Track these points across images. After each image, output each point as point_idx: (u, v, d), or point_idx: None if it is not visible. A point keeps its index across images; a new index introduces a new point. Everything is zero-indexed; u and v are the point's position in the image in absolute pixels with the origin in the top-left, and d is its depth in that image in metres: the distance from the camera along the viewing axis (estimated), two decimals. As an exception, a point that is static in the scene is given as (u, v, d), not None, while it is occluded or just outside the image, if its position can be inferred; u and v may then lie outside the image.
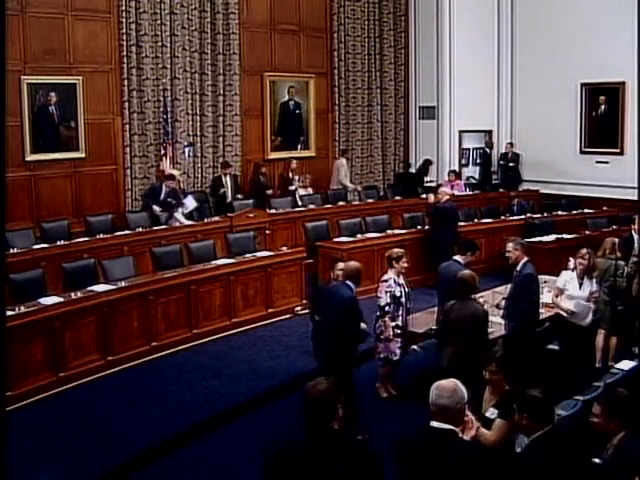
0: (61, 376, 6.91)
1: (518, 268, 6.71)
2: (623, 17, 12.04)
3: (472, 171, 14.88)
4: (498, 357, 4.60)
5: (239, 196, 11.83)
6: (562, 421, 4.38)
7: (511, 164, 14.52)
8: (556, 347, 6.85)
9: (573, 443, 3.77)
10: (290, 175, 12.66)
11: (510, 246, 6.76)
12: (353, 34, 14.17)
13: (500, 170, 14.76)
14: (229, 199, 11.66)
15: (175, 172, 11.35)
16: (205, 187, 12.34)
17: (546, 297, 7.30)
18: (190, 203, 10.95)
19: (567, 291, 6.97)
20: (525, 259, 6.70)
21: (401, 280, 6.81)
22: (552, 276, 7.77)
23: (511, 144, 14.55)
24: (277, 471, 3.31)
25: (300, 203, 12.10)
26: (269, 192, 12.12)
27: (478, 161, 14.90)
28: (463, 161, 14.83)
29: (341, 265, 6.55)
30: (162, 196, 10.53)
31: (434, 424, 3.50)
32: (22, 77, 10.39)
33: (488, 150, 14.69)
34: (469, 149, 14.91)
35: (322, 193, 12.73)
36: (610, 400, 3.98)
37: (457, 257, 6.93)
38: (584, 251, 7.00)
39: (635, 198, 10.68)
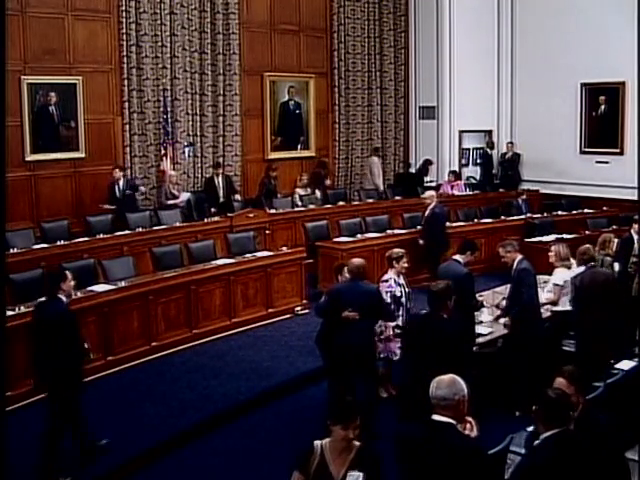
0: (61, 376, 6.91)
1: (514, 266, 6.73)
2: (623, 17, 12.04)
3: (472, 171, 14.87)
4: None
5: (237, 197, 11.79)
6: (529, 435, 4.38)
7: (508, 158, 14.46)
8: (572, 349, 6.84)
9: (581, 444, 3.77)
10: (322, 172, 12.67)
11: (502, 251, 6.81)
12: (353, 34, 14.17)
13: (500, 170, 14.75)
14: (221, 199, 11.63)
15: (173, 173, 11.37)
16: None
17: (545, 296, 7.32)
18: (183, 196, 11.20)
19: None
20: (519, 257, 6.75)
21: (401, 280, 6.82)
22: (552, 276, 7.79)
23: (511, 143, 14.53)
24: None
25: (300, 203, 12.09)
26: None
27: (478, 161, 14.89)
28: (463, 161, 14.82)
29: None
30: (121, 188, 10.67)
31: (434, 417, 3.57)
32: (22, 77, 10.40)
33: (489, 150, 14.67)
34: (469, 149, 14.90)
35: (322, 193, 12.73)
36: (577, 377, 4.10)
37: (457, 257, 6.93)
38: (552, 243, 7.40)
39: (635, 198, 10.69)
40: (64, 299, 5.63)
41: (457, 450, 3.47)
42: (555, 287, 7.23)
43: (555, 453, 3.59)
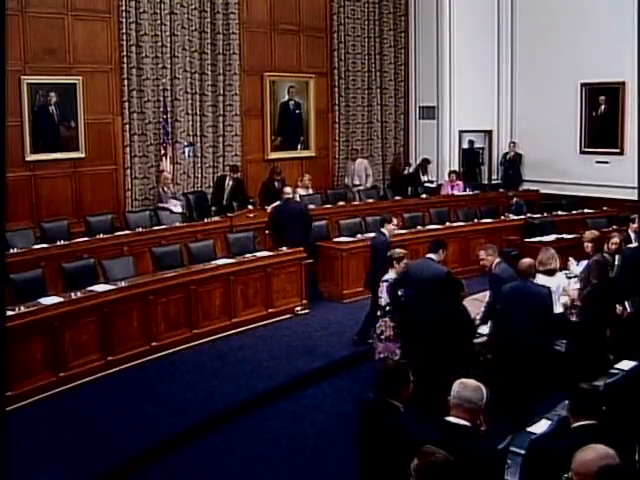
0: (61, 376, 6.91)
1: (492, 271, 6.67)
2: (623, 17, 12.04)
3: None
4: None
5: (250, 201, 11.74)
6: (561, 421, 4.38)
7: (510, 158, 14.44)
8: (562, 348, 6.82)
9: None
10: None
11: (483, 253, 6.68)
12: (353, 34, 14.16)
13: (503, 170, 14.73)
14: (225, 202, 11.57)
15: (167, 174, 11.35)
16: (206, 187, 12.34)
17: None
18: (172, 203, 11.07)
19: None
20: (497, 260, 6.64)
21: (401, 280, 6.82)
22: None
23: (514, 143, 14.50)
24: None
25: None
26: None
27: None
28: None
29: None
30: None
31: (450, 419, 3.51)
32: (22, 77, 10.39)
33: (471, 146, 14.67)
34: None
35: (322, 193, 12.73)
36: None
37: (431, 255, 6.86)
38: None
39: (635, 198, 10.70)
40: (387, 234, 8.16)
41: (479, 454, 3.39)
42: None
43: (581, 444, 3.58)
